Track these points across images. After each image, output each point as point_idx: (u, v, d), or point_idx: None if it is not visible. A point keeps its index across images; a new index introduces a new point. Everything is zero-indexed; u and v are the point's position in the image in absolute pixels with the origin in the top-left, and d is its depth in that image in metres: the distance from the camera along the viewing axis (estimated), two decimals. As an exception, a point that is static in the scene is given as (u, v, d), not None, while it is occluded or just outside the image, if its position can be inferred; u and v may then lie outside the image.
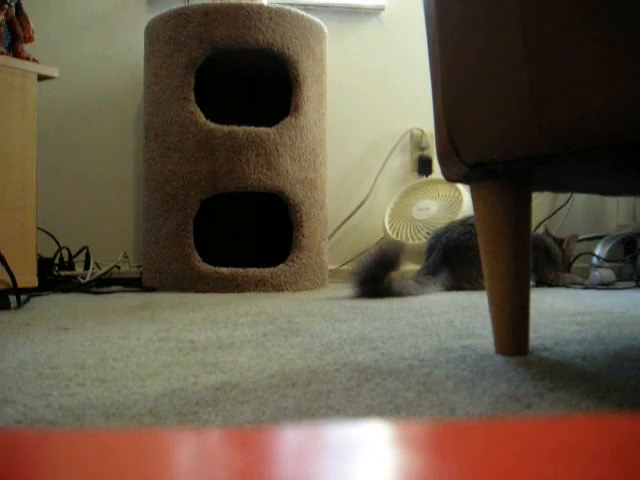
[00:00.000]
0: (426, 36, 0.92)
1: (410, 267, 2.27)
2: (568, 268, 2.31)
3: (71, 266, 2.25)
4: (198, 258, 2.01)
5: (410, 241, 2.39)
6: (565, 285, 2.19)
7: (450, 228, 2.05)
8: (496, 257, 0.88)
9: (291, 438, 0.18)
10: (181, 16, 2.03)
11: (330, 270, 2.42)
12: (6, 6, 1.71)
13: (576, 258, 2.50)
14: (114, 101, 2.46)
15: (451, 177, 0.94)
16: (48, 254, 2.17)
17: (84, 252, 2.27)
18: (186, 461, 0.15)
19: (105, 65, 2.45)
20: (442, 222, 2.30)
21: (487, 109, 0.81)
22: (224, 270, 2.00)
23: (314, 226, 2.13)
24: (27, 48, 1.78)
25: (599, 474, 0.14)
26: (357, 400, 0.65)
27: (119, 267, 2.30)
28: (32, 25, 1.78)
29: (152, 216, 2.09)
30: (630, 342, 1.00)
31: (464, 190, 2.37)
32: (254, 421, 0.58)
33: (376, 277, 1.69)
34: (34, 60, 1.76)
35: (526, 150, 0.79)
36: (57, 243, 2.22)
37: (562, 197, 2.56)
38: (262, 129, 2.04)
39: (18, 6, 1.77)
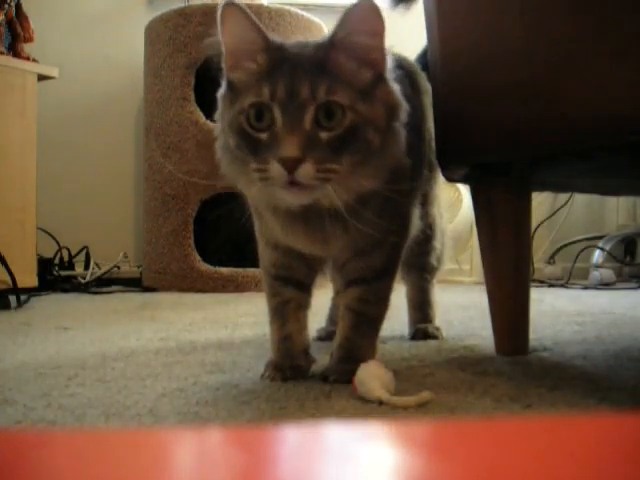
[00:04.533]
0: (426, 36, 0.92)
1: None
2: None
3: (71, 266, 2.25)
4: (198, 258, 2.01)
5: (410, 241, 2.38)
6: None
7: None
8: (496, 257, 0.88)
9: (291, 438, 0.18)
10: (181, 16, 2.03)
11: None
12: (6, 6, 1.71)
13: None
14: (114, 101, 2.46)
15: (451, 177, 0.94)
16: (48, 254, 2.16)
17: (84, 252, 2.27)
18: (186, 461, 0.15)
19: (105, 65, 2.45)
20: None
21: (487, 109, 0.81)
22: (224, 270, 2.00)
23: (314, 226, 2.13)
24: (27, 48, 1.78)
25: (599, 474, 0.14)
26: (357, 400, 0.65)
27: (119, 267, 2.30)
28: (32, 25, 1.78)
29: (152, 216, 2.09)
30: (630, 342, 1.00)
31: (464, 190, 2.36)
32: (254, 421, 0.58)
33: None
34: (34, 60, 1.76)
35: (526, 150, 0.79)
36: (57, 243, 2.21)
37: (562, 197, 2.55)
38: (262, 129, 2.03)
39: (18, 6, 1.77)
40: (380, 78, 0.66)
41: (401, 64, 0.76)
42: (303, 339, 0.80)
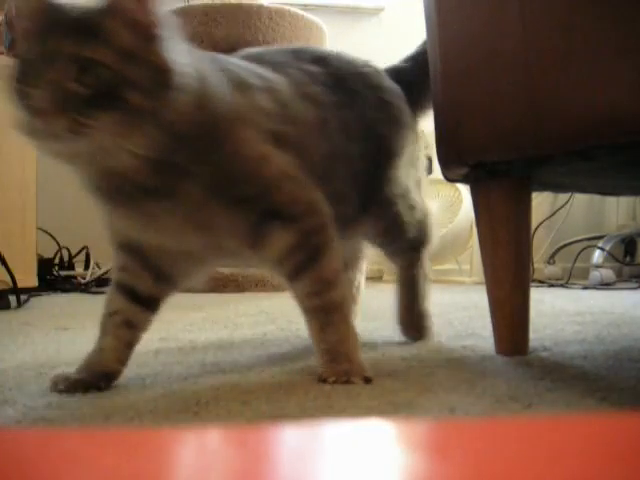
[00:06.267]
0: (426, 36, 0.92)
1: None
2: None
3: (71, 266, 2.25)
4: (198, 258, 2.01)
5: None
6: None
7: None
8: (496, 257, 0.88)
9: (291, 438, 0.18)
10: (181, 16, 2.03)
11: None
12: (6, 6, 1.71)
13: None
14: (114, 101, 2.46)
15: (451, 177, 0.94)
16: (48, 254, 2.17)
17: (84, 252, 2.27)
18: (186, 461, 0.15)
19: (105, 65, 2.45)
20: (442, 222, 2.29)
21: (487, 109, 0.81)
22: (224, 270, 2.00)
23: (314, 226, 2.13)
24: (27, 48, 1.78)
25: (599, 474, 0.14)
26: (357, 400, 0.64)
27: (119, 267, 2.30)
28: (32, 25, 1.78)
29: (152, 216, 2.09)
30: (630, 342, 1.00)
31: (464, 190, 2.36)
32: (254, 421, 0.58)
33: None
34: (34, 60, 1.76)
35: (526, 150, 0.79)
36: (57, 243, 2.21)
37: (562, 197, 2.55)
38: (262, 129, 2.04)
39: (18, 6, 1.77)
40: (151, 40, 0.65)
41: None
42: (112, 359, 0.73)
